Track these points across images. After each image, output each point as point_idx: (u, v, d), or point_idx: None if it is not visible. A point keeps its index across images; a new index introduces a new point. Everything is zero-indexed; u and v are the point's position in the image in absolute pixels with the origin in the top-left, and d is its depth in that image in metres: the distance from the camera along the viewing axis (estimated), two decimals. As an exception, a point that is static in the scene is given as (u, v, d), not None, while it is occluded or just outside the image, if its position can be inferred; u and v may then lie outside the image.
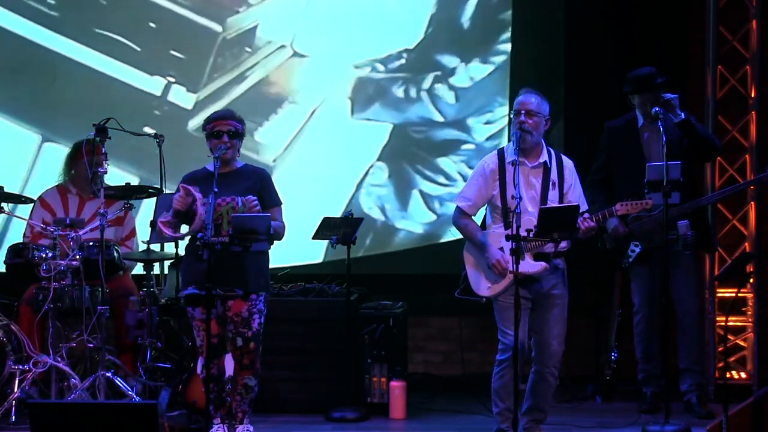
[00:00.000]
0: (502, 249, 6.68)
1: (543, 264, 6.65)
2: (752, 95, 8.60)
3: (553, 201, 6.70)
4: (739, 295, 8.40)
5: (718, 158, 8.50)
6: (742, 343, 8.60)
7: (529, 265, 6.59)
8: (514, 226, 6.36)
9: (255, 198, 6.76)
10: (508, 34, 9.36)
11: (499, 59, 9.36)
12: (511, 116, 6.78)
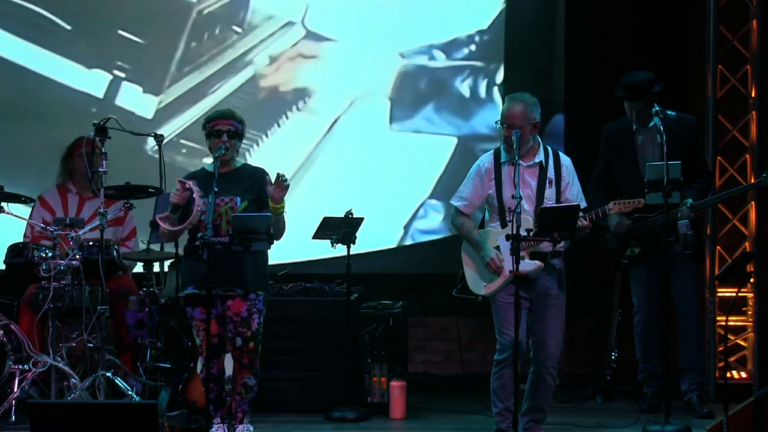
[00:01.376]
0: (497, 248, 6.69)
1: (537, 263, 6.65)
2: (752, 95, 8.61)
3: (549, 199, 6.71)
4: (739, 294, 8.40)
5: (719, 158, 8.53)
6: (742, 343, 8.60)
7: (524, 264, 6.57)
8: (514, 225, 6.36)
9: (284, 174, 6.60)
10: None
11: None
12: (497, 125, 6.75)
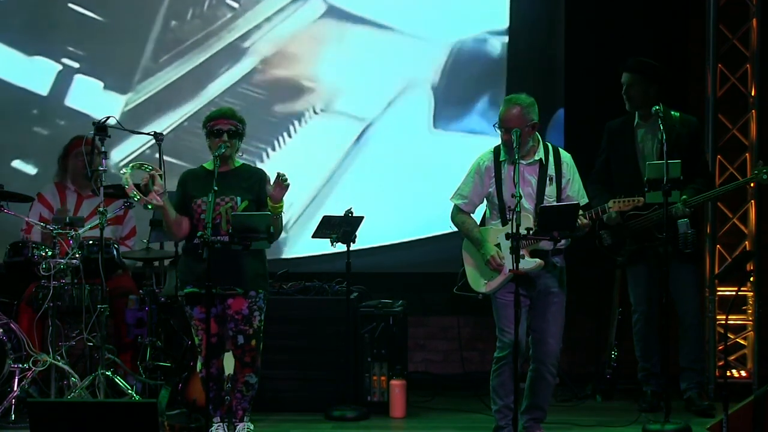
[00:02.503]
0: (498, 245, 6.69)
1: (537, 261, 6.65)
2: (752, 94, 8.61)
3: (550, 196, 6.71)
4: (739, 293, 8.39)
5: (719, 157, 8.53)
6: (742, 342, 8.61)
7: (525, 262, 6.57)
8: (514, 224, 6.36)
9: (284, 173, 6.46)
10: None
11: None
12: (496, 127, 6.74)
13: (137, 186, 6.50)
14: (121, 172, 5.93)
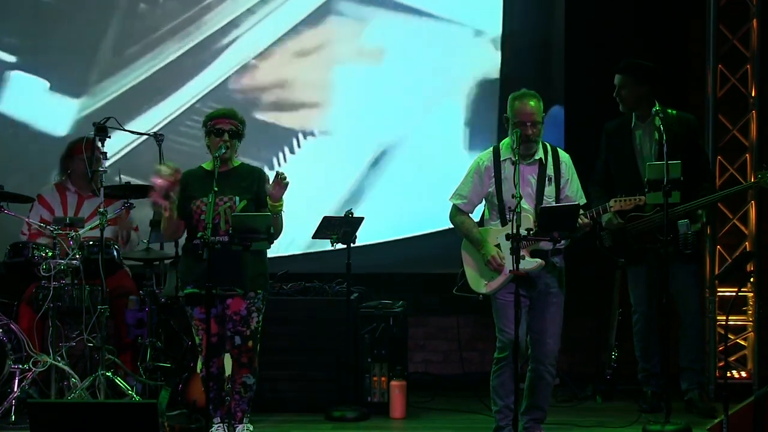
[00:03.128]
0: (498, 246, 6.68)
1: (538, 261, 6.65)
2: (752, 94, 8.61)
3: (549, 197, 6.71)
4: (739, 294, 8.39)
5: (719, 157, 8.53)
6: (742, 342, 8.61)
7: (525, 263, 6.56)
8: (514, 225, 6.35)
9: (283, 172, 6.51)
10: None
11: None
12: (509, 123, 6.70)
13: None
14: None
